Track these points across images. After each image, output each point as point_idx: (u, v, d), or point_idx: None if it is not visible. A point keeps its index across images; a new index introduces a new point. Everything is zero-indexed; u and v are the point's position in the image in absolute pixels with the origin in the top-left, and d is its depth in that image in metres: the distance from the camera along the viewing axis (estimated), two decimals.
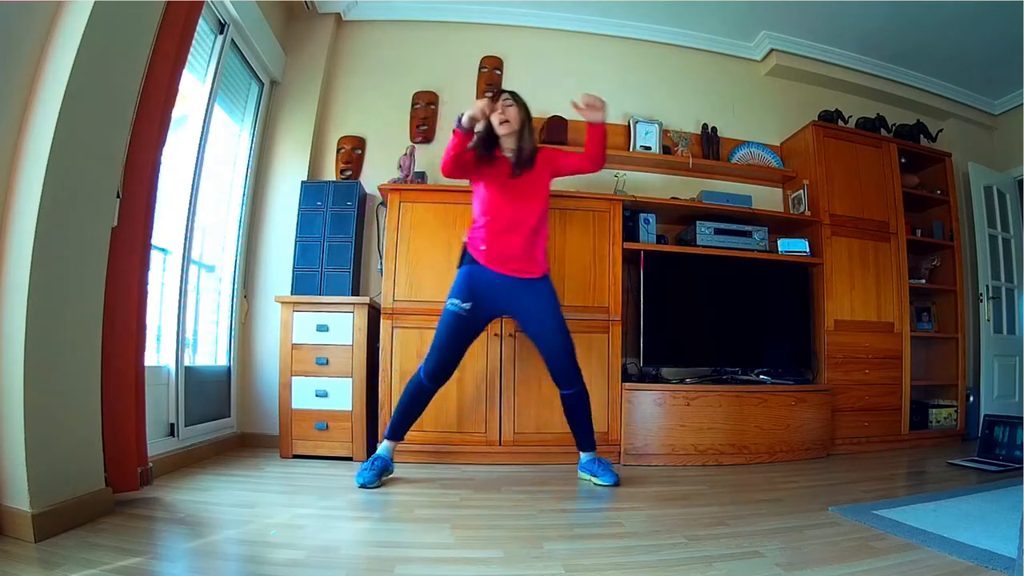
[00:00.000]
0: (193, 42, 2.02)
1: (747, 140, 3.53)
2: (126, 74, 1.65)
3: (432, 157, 3.13)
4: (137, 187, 1.75)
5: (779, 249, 3.12)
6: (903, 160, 3.47)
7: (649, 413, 2.62)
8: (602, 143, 2.15)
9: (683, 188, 3.32)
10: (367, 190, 3.05)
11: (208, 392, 2.59)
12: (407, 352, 2.54)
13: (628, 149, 3.27)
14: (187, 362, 2.41)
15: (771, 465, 2.63)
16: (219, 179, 2.78)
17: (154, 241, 1.90)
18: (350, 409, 2.51)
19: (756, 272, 3.05)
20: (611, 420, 2.61)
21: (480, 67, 3.31)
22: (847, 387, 3.04)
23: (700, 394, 2.65)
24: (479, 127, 2.08)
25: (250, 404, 2.85)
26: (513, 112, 2.14)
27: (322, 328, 2.56)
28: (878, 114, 3.58)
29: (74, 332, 1.51)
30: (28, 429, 1.34)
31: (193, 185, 2.42)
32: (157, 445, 2.09)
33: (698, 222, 3.02)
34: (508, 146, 2.19)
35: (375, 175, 3.07)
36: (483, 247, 2.15)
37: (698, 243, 2.99)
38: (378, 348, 2.56)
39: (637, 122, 3.31)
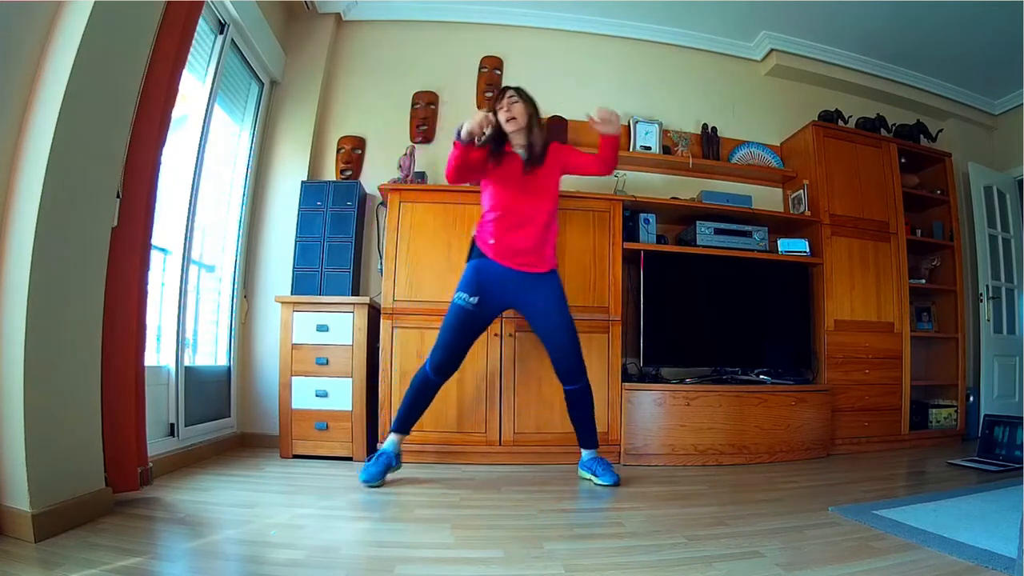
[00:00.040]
0: (193, 42, 2.01)
1: (747, 140, 3.53)
2: (126, 74, 1.65)
3: (432, 157, 3.14)
4: (137, 187, 1.75)
5: (779, 249, 3.12)
6: (903, 160, 3.47)
7: (649, 413, 2.62)
8: (615, 151, 2.20)
9: (683, 188, 3.32)
10: (367, 190, 3.05)
11: (208, 392, 2.59)
12: (407, 352, 2.54)
13: (628, 149, 3.27)
14: (187, 362, 2.41)
15: (771, 465, 2.63)
16: (219, 179, 2.78)
17: (154, 241, 1.90)
18: (350, 409, 2.51)
19: (756, 272, 3.05)
20: (611, 420, 2.61)
21: (480, 67, 3.32)
22: (847, 387, 3.04)
23: (700, 394, 2.65)
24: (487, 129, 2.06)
25: (250, 404, 2.85)
26: (519, 108, 2.15)
27: (322, 328, 2.56)
28: (878, 114, 3.58)
29: (74, 332, 1.51)
30: (28, 429, 1.34)
31: (193, 185, 2.42)
32: (157, 445, 2.09)
33: (698, 222, 3.02)
34: (517, 142, 2.20)
35: (375, 175, 3.07)
36: (491, 241, 2.16)
37: (698, 243, 2.99)
38: (378, 348, 2.56)
39: (637, 122, 3.31)
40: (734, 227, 3.07)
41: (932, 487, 2.22)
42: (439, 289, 2.57)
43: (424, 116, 3.20)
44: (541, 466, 2.48)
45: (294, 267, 2.71)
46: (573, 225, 2.72)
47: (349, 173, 3.09)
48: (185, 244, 2.38)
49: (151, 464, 1.83)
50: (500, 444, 2.53)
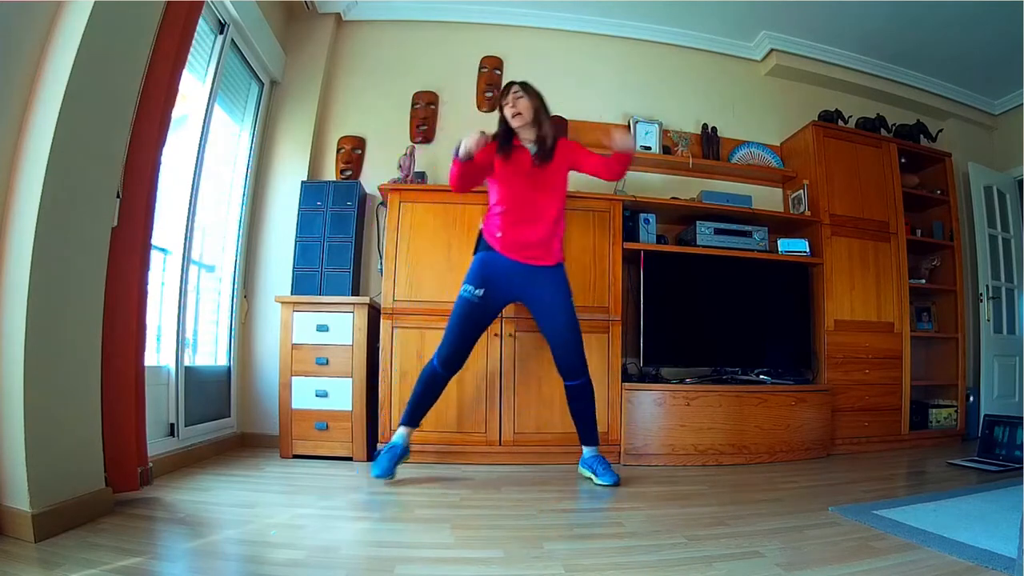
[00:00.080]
0: (193, 42, 2.01)
1: (747, 140, 3.53)
2: (126, 74, 1.65)
3: (432, 157, 3.14)
4: (137, 187, 1.75)
5: (779, 249, 3.12)
6: (903, 160, 3.47)
7: (649, 413, 2.62)
8: (625, 166, 2.23)
9: (683, 188, 3.32)
10: (367, 190, 3.05)
11: (208, 392, 2.59)
12: (407, 352, 2.54)
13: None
14: (187, 362, 2.41)
15: (771, 465, 2.63)
16: (219, 179, 2.78)
17: (154, 241, 1.90)
18: (350, 409, 2.51)
19: (756, 272, 3.05)
20: (611, 420, 2.61)
21: (480, 67, 3.32)
22: (847, 387, 3.04)
23: (700, 394, 2.65)
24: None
25: (250, 404, 2.85)
26: (524, 103, 2.15)
27: (322, 328, 2.56)
28: (878, 114, 3.58)
29: (74, 332, 1.51)
30: (28, 429, 1.34)
31: (193, 185, 2.42)
32: (157, 445, 2.09)
33: (698, 222, 3.02)
34: (525, 136, 2.21)
35: (375, 175, 3.07)
36: (499, 234, 2.17)
37: (698, 243, 2.99)
38: (378, 348, 2.56)
39: (637, 122, 3.31)
40: (734, 227, 3.07)
41: (932, 487, 2.22)
42: (439, 289, 2.57)
43: (424, 116, 3.20)
44: (541, 466, 2.48)
45: (294, 267, 2.71)
46: (573, 225, 2.72)
47: (349, 173, 3.09)
48: (185, 244, 2.38)
49: (151, 464, 1.83)
50: (500, 444, 2.53)
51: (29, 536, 1.30)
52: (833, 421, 2.92)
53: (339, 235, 2.73)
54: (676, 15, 3.39)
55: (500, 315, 2.41)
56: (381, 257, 2.83)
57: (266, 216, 3.00)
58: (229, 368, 2.79)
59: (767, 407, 2.72)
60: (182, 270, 2.36)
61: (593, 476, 2.18)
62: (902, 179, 3.41)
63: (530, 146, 2.20)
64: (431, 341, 2.52)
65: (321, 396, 2.52)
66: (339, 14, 3.25)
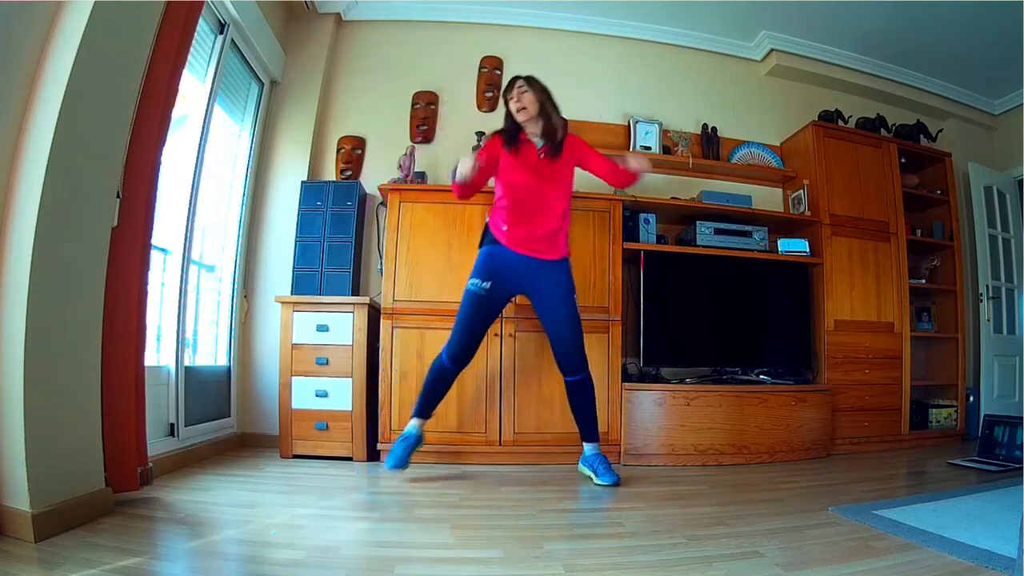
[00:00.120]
0: (193, 42, 2.01)
1: (747, 140, 3.53)
2: (126, 74, 1.65)
3: (432, 157, 3.14)
4: (137, 187, 1.75)
5: (779, 249, 3.12)
6: (903, 160, 3.47)
7: (649, 413, 2.62)
8: (632, 182, 2.26)
9: (683, 188, 3.32)
10: (367, 190, 3.05)
11: (208, 392, 2.59)
12: (407, 352, 2.54)
13: (628, 149, 3.27)
14: (187, 362, 2.41)
15: (771, 465, 2.63)
16: (219, 179, 2.78)
17: (154, 241, 1.90)
18: (350, 409, 2.51)
19: (756, 272, 3.05)
20: (611, 420, 2.61)
21: (480, 67, 3.32)
22: (847, 387, 3.04)
23: (700, 394, 2.65)
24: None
25: (250, 404, 2.85)
26: (528, 98, 2.16)
27: (322, 328, 2.56)
28: (878, 114, 3.58)
29: (74, 332, 1.51)
30: (28, 429, 1.34)
31: (193, 185, 2.42)
32: (157, 445, 2.09)
33: (698, 222, 3.02)
34: (531, 130, 2.22)
35: (375, 175, 3.07)
36: (505, 227, 2.17)
37: (698, 243, 2.99)
38: (378, 348, 2.56)
39: (637, 122, 3.31)
40: (734, 227, 3.07)
41: (932, 487, 2.22)
42: (439, 289, 2.57)
43: (424, 116, 3.20)
44: (541, 466, 2.48)
45: (294, 267, 2.71)
46: (573, 225, 2.69)
47: (349, 173, 3.09)
48: (185, 244, 2.38)
49: (151, 464, 1.83)
50: (500, 444, 2.53)
51: (29, 536, 1.30)
52: (833, 421, 2.92)
53: (339, 235, 2.73)
54: (676, 15, 3.39)
55: (500, 315, 2.41)
56: (381, 257, 2.83)
57: (266, 216, 3.00)
58: (229, 368, 2.79)
59: (767, 407, 2.72)
60: (182, 270, 2.36)
61: (593, 475, 2.18)
62: (902, 179, 3.41)
63: (536, 140, 2.21)
64: (431, 341, 2.53)
65: (321, 396, 2.52)
66: (339, 14, 3.25)
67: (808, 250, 3.12)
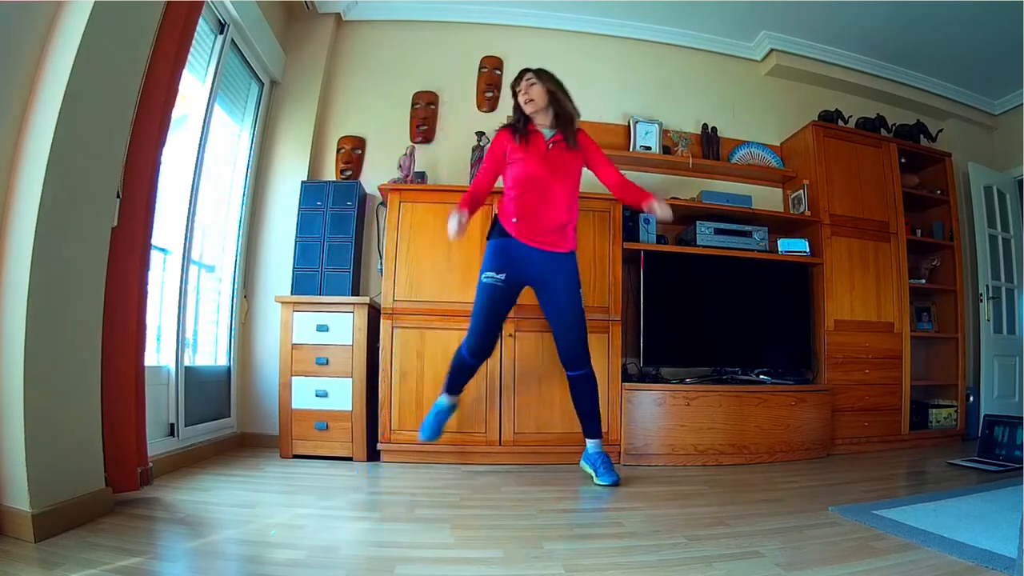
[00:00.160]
0: (193, 42, 2.02)
1: (747, 140, 3.52)
2: (126, 74, 1.65)
3: (432, 157, 3.14)
4: (137, 187, 1.75)
5: (779, 249, 3.12)
6: (903, 160, 3.47)
7: (649, 413, 2.62)
8: (638, 204, 2.20)
9: (683, 188, 3.32)
10: (367, 190, 3.05)
11: (208, 392, 2.59)
12: (407, 352, 2.54)
13: (628, 149, 3.27)
14: (187, 362, 2.41)
15: (771, 465, 2.63)
16: (219, 179, 2.78)
17: (154, 241, 1.90)
18: (350, 409, 2.51)
19: (756, 272, 3.05)
20: (611, 420, 2.61)
21: (480, 67, 3.32)
22: (847, 387, 3.04)
23: (700, 394, 2.65)
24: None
25: (250, 404, 2.85)
26: (536, 90, 2.18)
27: (322, 328, 2.56)
28: (878, 114, 3.58)
29: (74, 332, 1.51)
30: (28, 429, 1.34)
31: (193, 185, 2.42)
32: (157, 445, 2.09)
33: (698, 222, 3.02)
34: (540, 122, 2.23)
35: (375, 175, 3.07)
36: (514, 220, 2.18)
37: (698, 243, 2.99)
38: (378, 348, 2.56)
39: (637, 122, 3.31)
40: (734, 227, 3.07)
41: (932, 487, 2.22)
42: (439, 289, 2.57)
43: (424, 116, 3.20)
44: (541, 466, 2.48)
45: (294, 267, 2.71)
46: None
47: (349, 173, 3.09)
48: (185, 244, 2.38)
49: (151, 464, 1.84)
50: (500, 444, 2.53)
51: (29, 536, 1.30)
52: (833, 421, 2.92)
53: (339, 235, 2.73)
54: (676, 15, 3.39)
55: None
56: (381, 257, 2.83)
57: (266, 216, 3.00)
58: (229, 368, 2.79)
59: (767, 407, 2.72)
60: (182, 270, 2.36)
61: (593, 474, 2.18)
62: (902, 179, 3.41)
63: (546, 131, 2.22)
64: (431, 341, 2.53)
65: (321, 396, 2.52)
66: (339, 14, 3.25)
67: (808, 250, 3.12)
